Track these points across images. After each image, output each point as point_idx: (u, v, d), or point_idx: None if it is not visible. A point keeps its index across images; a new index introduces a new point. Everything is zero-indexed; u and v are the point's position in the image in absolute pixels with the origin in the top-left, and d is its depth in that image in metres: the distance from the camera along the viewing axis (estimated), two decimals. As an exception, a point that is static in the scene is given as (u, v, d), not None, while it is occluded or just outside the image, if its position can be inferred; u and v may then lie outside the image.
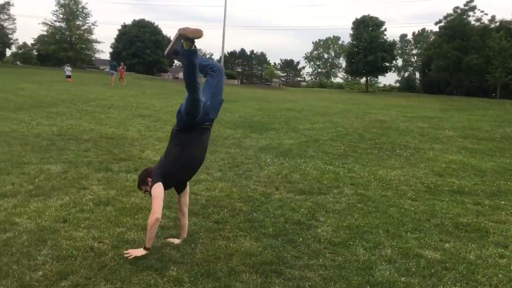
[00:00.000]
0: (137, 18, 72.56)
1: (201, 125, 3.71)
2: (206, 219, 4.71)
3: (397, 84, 77.30)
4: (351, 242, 4.26)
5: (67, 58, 63.34)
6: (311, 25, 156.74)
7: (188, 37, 3.29)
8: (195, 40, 3.34)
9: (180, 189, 4.02)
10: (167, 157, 3.75)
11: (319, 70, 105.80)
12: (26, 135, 8.91)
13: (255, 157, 8.24)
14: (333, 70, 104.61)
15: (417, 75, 79.44)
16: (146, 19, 71.59)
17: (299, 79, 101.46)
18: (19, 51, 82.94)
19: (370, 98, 37.00)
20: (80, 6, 66.68)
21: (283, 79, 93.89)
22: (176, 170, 3.73)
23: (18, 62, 74.83)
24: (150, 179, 3.73)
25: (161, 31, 72.27)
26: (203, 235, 4.24)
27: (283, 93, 36.29)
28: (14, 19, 55.88)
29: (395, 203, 5.68)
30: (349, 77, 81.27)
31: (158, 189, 3.62)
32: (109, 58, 72.18)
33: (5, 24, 55.31)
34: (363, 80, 67.37)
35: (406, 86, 72.89)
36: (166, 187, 3.71)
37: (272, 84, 58.60)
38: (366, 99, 33.26)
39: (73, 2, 65.80)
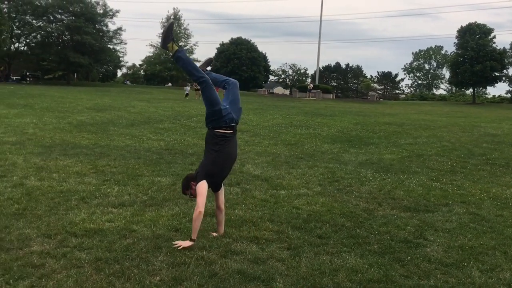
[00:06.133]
0: (234, 36, 75.22)
1: (229, 124, 4.28)
2: (308, 233, 4.72)
3: (509, 95, 71.30)
4: (465, 264, 4.01)
5: (170, 77, 67.61)
6: (409, 35, 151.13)
7: (167, 42, 4.27)
8: (172, 38, 4.30)
9: (217, 188, 4.46)
10: (207, 159, 4.27)
11: (419, 81, 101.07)
12: (138, 149, 9.64)
13: (355, 172, 8.09)
14: (435, 82, 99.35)
15: (532, 84, 72.70)
16: (243, 37, 74.10)
17: (397, 91, 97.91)
18: (129, 72, 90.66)
19: (478, 110, 34.54)
20: (182, 27, 71.06)
21: (380, 92, 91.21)
22: (217, 169, 4.27)
23: (128, 82, 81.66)
24: (193, 183, 4.25)
25: (257, 48, 74.27)
26: (306, 249, 4.25)
27: (380, 107, 35.25)
28: (125, 43, 61.16)
29: (513, 224, 5.24)
30: (453, 88, 76.78)
31: (202, 186, 4.16)
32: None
33: (117, 47, 60.72)
34: (469, 91, 63.24)
35: (519, 96, 66.98)
36: (209, 185, 4.23)
37: (369, 97, 56.97)
38: (473, 112, 31.09)
39: (176, 24, 70.29)
